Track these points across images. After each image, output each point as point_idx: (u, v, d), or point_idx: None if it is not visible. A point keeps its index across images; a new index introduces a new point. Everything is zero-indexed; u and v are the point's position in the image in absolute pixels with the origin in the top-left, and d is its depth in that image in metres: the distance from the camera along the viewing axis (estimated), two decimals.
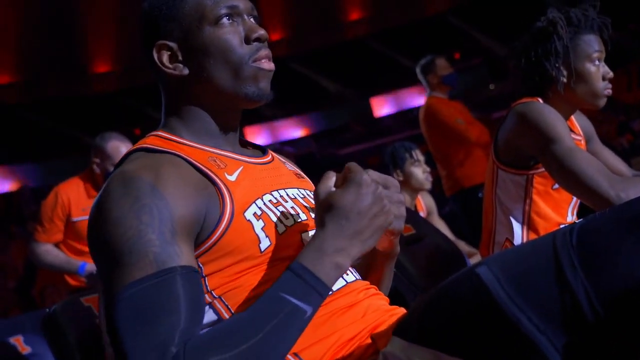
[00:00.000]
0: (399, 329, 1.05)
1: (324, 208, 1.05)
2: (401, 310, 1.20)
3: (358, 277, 1.23)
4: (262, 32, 1.20)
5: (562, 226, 0.97)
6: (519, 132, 2.00)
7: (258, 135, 17.90)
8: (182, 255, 1.03)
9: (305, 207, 1.23)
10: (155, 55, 1.21)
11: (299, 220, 1.19)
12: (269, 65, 1.20)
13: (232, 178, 1.16)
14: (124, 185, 1.06)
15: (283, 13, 17.59)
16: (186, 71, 1.20)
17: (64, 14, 16.03)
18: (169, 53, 1.20)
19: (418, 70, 4.41)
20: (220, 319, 1.09)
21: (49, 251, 3.33)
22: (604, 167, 1.87)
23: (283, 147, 13.98)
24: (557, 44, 2.01)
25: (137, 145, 1.20)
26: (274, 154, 1.36)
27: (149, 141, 1.20)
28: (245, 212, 1.12)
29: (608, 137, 8.22)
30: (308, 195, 1.27)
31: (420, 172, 3.50)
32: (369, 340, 1.11)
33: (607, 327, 0.84)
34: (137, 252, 1.00)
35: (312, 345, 1.08)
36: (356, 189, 1.05)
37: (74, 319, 1.92)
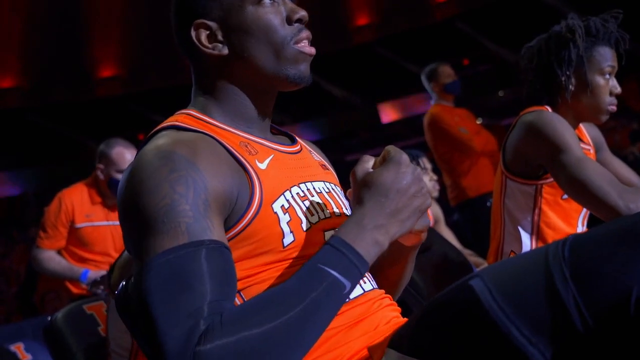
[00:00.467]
0: (394, 341, 1.06)
1: (363, 185, 1.06)
2: None
3: (375, 285, 1.23)
4: (303, 13, 1.20)
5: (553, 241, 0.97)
6: (527, 141, 2.00)
7: None
8: (214, 230, 1.02)
9: (330, 202, 1.23)
10: (193, 34, 1.19)
11: (323, 217, 1.19)
12: (310, 49, 1.21)
13: (263, 166, 1.16)
14: (159, 158, 1.05)
15: None
16: (225, 51, 1.19)
17: (68, 18, 16.09)
18: (207, 32, 1.20)
19: (422, 77, 4.44)
20: None
21: (52, 258, 3.35)
22: (613, 177, 1.86)
23: None
24: (572, 52, 2.01)
25: (167, 123, 1.19)
26: (302, 142, 1.35)
27: (180, 119, 1.19)
28: (273, 203, 1.12)
29: (620, 146, 8.21)
30: (332, 189, 1.28)
31: (427, 180, 3.50)
32: (367, 353, 1.11)
33: (597, 338, 0.85)
34: (170, 221, 1.00)
35: (321, 356, 1.08)
36: (396, 167, 1.05)
37: (76, 327, 1.93)
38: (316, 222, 1.16)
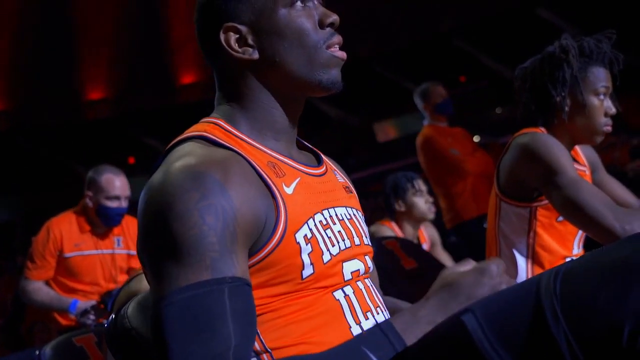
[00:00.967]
0: None
1: (440, 279, 1.10)
2: None
3: (387, 315, 1.23)
4: (335, 17, 1.20)
5: (545, 271, 1.00)
6: (521, 163, 2.03)
7: None
8: (238, 266, 1.02)
9: (351, 230, 1.22)
10: (222, 37, 1.18)
11: (344, 247, 1.18)
12: (342, 53, 1.20)
13: (289, 191, 1.15)
14: (191, 179, 1.03)
15: None
16: (256, 55, 1.18)
17: (56, 39, 16.16)
18: (237, 36, 1.18)
19: (415, 97, 4.47)
20: None
21: (40, 289, 3.35)
22: (608, 198, 1.89)
23: None
24: (566, 72, 2.04)
25: (195, 132, 1.17)
26: (326, 161, 1.34)
27: (210, 130, 1.17)
28: (296, 232, 1.11)
29: (620, 162, 8.23)
30: (354, 215, 1.27)
31: (422, 203, 3.53)
32: None
33: None
34: (196, 254, 0.99)
35: None
36: (478, 275, 1.07)
37: None
38: (336, 254, 1.16)
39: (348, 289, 1.17)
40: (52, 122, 16.40)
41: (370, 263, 1.27)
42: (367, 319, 1.16)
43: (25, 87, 16.59)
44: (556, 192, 1.92)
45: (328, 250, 1.14)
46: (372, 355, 0.99)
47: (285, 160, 1.20)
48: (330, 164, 1.36)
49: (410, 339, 1.02)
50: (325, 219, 1.18)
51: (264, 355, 1.09)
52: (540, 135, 2.03)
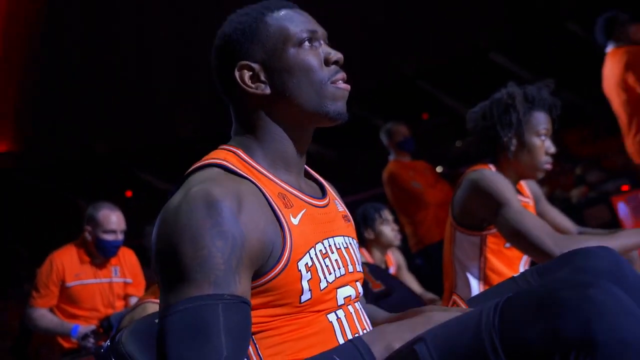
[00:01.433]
0: None
1: (417, 310, 1.17)
2: None
3: (370, 327, 1.24)
4: (339, 55, 1.21)
5: (487, 303, 1.03)
6: (472, 197, 2.07)
7: None
8: (240, 285, 1.02)
9: (346, 259, 1.23)
10: (237, 75, 1.19)
11: (339, 275, 1.19)
12: (346, 86, 1.21)
13: (295, 221, 1.15)
14: (207, 207, 1.03)
15: None
16: (268, 90, 1.18)
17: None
18: (250, 73, 1.19)
19: (381, 135, 4.55)
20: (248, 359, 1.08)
21: (45, 315, 3.33)
22: (548, 226, 1.94)
23: None
24: (513, 115, 2.08)
25: (215, 160, 1.16)
26: (329, 191, 1.34)
27: (229, 158, 1.17)
28: (299, 261, 1.12)
29: (565, 189, 8.34)
30: (350, 244, 1.27)
31: (389, 231, 3.57)
32: None
33: None
34: (202, 271, 0.99)
35: None
36: (448, 313, 1.13)
37: None
38: (332, 281, 1.16)
39: (340, 313, 1.18)
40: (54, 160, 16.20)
41: (360, 288, 1.27)
42: None
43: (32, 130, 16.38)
44: (503, 222, 1.96)
45: (325, 278, 1.15)
46: None
47: (294, 192, 1.20)
48: (332, 192, 1.36)
49: (377, 350, 1.03)
50: (325, 248, 1.18)
51: None
52: (488, 172, 2.07)
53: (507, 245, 2.08)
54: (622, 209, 5.71)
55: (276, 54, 1.18)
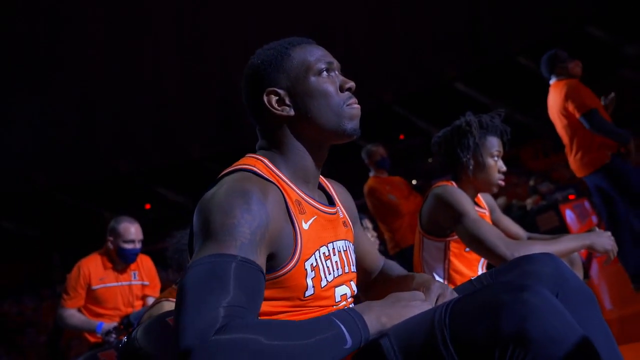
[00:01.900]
0: None
1: (397, 295, 1.12)
2: None
3: None
4: (352, 83, 1.23)
5: (441, 303, 1.04)
6: (436, 209, 2.07)
7: None
8: (259, 257, 1.02)
9: (344, 260, 1.23)
10: (265, 99, 1.21)
11: (337, 275, 1.19)
12: (358, 106, 1.23)
13: (306, 226, 1.15)
14: (238, 192, 1.05)
15: None
16: (292, 112, 1.20)
17: None
18: (276, 98, 1.20)
19: (362, 155, 4.60)
20: None
21: (74, 315, 3.32)
22: (501, 233, 1.95)
23: None
24: (470, 140, 2.11)
25: (246, 165, 1.17)
26: (337, 201, 1.33)
27: (257, 165, 1.18)
28: (306, 261, 1.12)
29: (520, 198, 8.38)
30: (348, 247, 1.27)
31: (369, 237, 3.58)
32: None
33: None
34: (230, 235, 1.00)
35: None
36: (418, 295, 1.12)
37: None
38: (331, 280, 1.17)
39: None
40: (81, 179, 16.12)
41: (354, 287, 1.27)
42: None
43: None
44: (463, 230, 1.97)
45: (325, 277, 1.16)
46: (341, 325, 0.98)
47: (309, 200, 1.21)
48: (338, 198, 1.36)
49: (368, 318, 1.01)
50: (328, 250, 1.19)
51: None
52: (450, 188, 2.08)
53: (467, 249, 2.09)
54: (569, 215, 5.75)
55: (299, 81, 1.20)
